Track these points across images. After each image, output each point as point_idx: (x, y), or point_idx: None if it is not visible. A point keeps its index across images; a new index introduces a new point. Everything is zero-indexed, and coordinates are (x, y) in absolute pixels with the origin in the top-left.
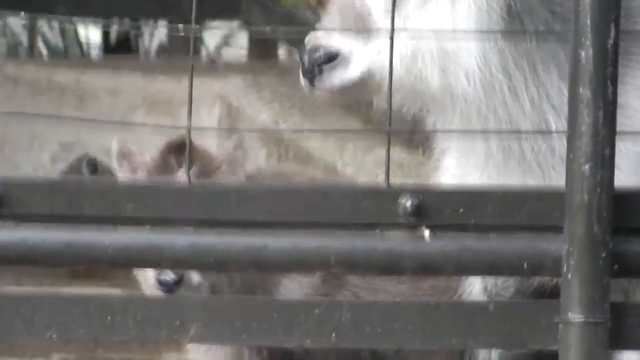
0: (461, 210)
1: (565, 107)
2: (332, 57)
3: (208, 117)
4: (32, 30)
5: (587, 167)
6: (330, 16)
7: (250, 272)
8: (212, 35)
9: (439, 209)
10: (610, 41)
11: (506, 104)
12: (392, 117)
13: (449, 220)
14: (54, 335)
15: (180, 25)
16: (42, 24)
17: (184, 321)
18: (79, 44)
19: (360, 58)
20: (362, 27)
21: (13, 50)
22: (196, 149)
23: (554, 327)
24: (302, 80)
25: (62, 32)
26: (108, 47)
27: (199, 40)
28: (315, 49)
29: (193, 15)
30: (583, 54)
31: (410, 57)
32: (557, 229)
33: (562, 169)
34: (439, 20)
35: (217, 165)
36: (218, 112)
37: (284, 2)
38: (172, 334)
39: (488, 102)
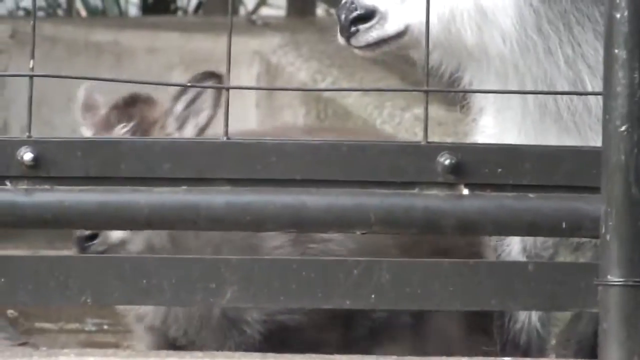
0: (499, 170)
1: (601, 67)
2: (369, 14)
3: (247, 75)
4: None
5: (623, 128)
6: None
7: (288, 231)
8: None
9: (477, 167)
10: None
11: (542, 63)
12: (429, 75)
13: (487, 179)
14: (88, 300)
15: None
16: None
17: (220, 284)
18: (117, 2)
19: (397, 15)
20: None
21: (51, 10)
22: (144, 102)
23: (593, 289)
24: (340, 38)
25: None
26: (146, 6)
27: None
28: (353, 6)
29: None
30: (618, 15)
31: (447, 15)
32: (595, 190)
33: (599, 128)
34: None
35: (156, 119)
36: (256, 70)
37: None
38: (208, 297)
39: (524, 61)
